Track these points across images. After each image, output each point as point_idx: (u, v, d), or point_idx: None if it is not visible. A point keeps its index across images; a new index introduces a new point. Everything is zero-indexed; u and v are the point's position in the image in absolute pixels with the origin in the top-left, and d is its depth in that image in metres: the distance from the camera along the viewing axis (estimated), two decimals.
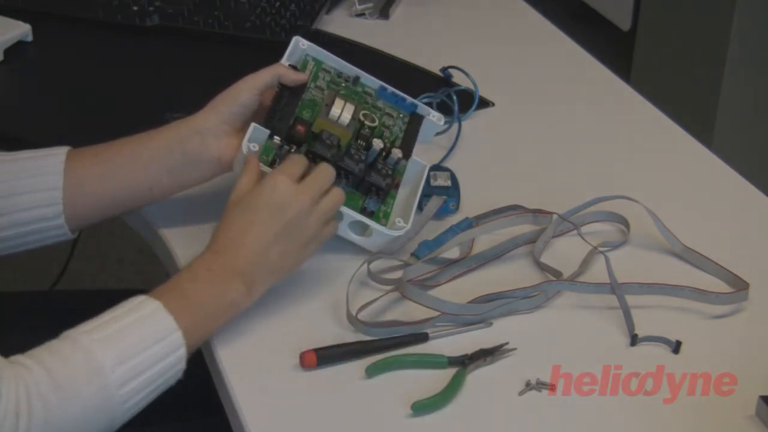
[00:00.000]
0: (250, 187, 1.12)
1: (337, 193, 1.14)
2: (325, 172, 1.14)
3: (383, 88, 1.29)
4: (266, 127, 1.19)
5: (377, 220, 1.19)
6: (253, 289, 1.09)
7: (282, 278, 1.13)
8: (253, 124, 1.19)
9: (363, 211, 1.19)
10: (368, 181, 1.19)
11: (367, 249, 1.19)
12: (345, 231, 1.19)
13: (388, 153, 1.22)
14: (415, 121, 1.29)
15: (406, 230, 1.19)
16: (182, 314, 1.04)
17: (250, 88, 1.20)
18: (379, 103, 1.28)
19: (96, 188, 1.18)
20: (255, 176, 1.13)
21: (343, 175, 1.18)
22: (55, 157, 1.17)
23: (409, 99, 1.29)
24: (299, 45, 1.28)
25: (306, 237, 1.12)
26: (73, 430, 0.98)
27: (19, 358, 0.98)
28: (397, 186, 1.24)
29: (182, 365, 1.04)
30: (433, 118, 1.30)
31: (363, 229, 1.19)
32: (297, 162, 1.14)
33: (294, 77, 1.23)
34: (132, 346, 1.01)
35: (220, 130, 1.19)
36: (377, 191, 1.20)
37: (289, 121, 1.20)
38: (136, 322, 1.02)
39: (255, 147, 1.17)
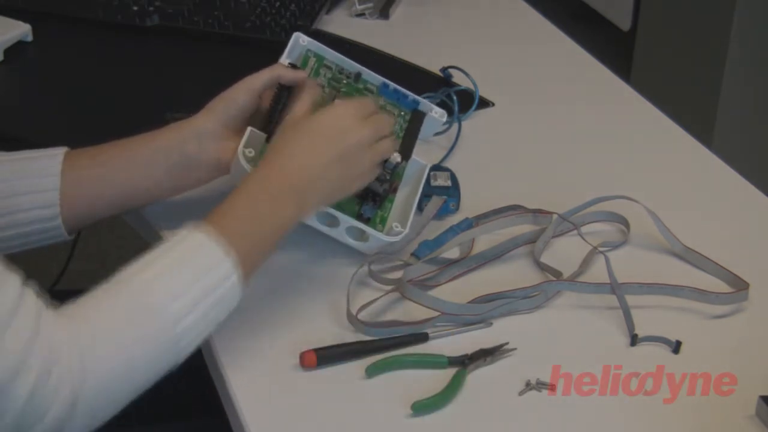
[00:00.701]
0: (306, 113, 1.14)
1: (390, 142, 1.17)
2: (388, 119, 1.18)
3: (385, 85, 1.28)
4: (264, 131, 1.18)
5: (373, 225, 1.19)
6: (305, 209, 1.10)
7: (331, 202, 1.14)
8: (249, 128, 1.19)
9: (359, 217, 1.18)
10: (365, 187, 1.18)
11: (365, 253, 1.19)
12: (342, 235, 1.18)
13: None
14: (417, 118, 1.28)
15: (403, 236, 1.19)
16: (235, 239, 1.02)
17: (247, 90, 1.20)
18: (381, 101, 1.28)
19: (93, 190, 1.18)
20: (311, 102, 1.16)
21: None
22: (53, 158, 1.17)
23: (411, 96, 1.29)
24: (299, 41, 1.27)
25: (359, 169, 1.13)
26: (135, 374, 0.97)
27: (70, 309, 0.96)
28: (395, 190, 1.23)
29: (238, 293, 1.03)
30: (435, 114, 1.30)
31: (360, 234, 1.19)
32: (365, 103, 1.17)
33: (293, 76, 1.22)
34: (183, 280, 0.99)
35: (218, 132, 1.19)
36: (374, 197, 1.19)
37: None
38: (185, 255, 1.01)
39: (251, 152, 1.17)
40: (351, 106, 1.14)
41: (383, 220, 1.21)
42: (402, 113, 1.28)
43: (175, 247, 1.02)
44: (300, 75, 1.23)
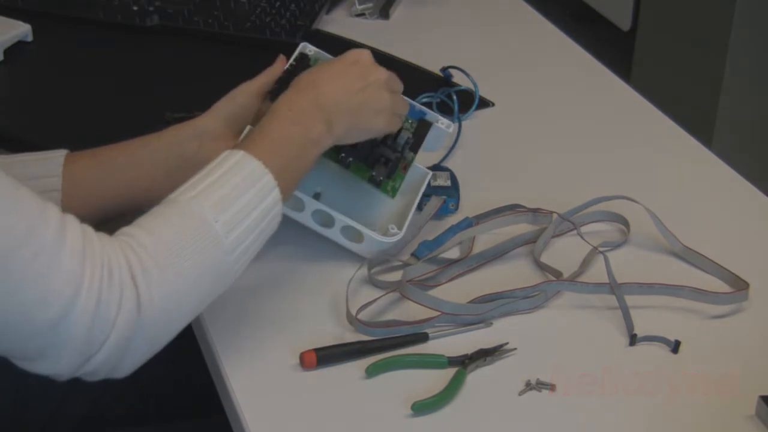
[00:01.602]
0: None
1: (406, 103, 1.21)
2: (399, 80, 1.19)
3: None
4: (270, 95, 1.19)
5: (384, 191, 1.19)
6: (333, 128, 1.12)
7: (358, 127, 1.15)
8: (249, 127, 1.19)
9: (371, 179, 1.18)
10: (377, 152, 1.19)
11: (360, 255, 1.19)
12: (337, 236, 1.18)
13: (398, 133, 1.22)
14: (423, 127, 1.28)
15: (398, 238, 1.19)
16: (270, 157, 1.05)
17: (247, 92, 1.21)
18: None
19: (94, 190, 1.18)
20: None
21: (348, 150, 1.17)
22: (54, 159, 1.17)
23: (418, 106, 1.29)
24: (306, 51, 1.27)
25: (381, 104, 1.15)
26: (190, 286, 0.98)
27: (122, 229, 0.98)
28: (405, 168, 1.23)
29: (280, 207, 1.06)
30: (442, 125, 1.28)
31: (355, 235, 1.18)
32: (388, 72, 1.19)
33: (271, 72, 1.23)
34: (227, 195, 1.01)
35: (218, 133, 1.19)
36: (386, 162, 1.19)
37: None
38: (226, 174, 1.03)
39: None
40: (370, 55, 1.18)
41: (394, 191, 1.20)
42: (409, 121, 1.28)
43: (216, 167, 1.04)
44: (276, 69, 1.23)
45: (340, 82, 1.13)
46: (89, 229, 0.94)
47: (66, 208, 1.15)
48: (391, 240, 1.18)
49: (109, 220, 1.21)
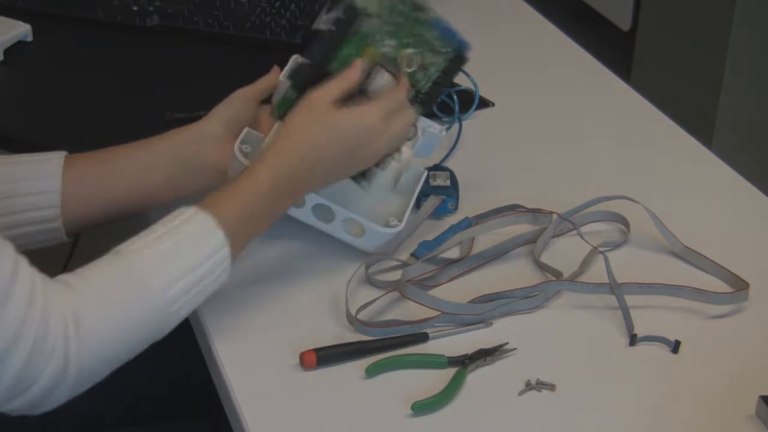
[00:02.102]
0: (332, 96, 1.13)
1: (411, 115, 1.17)
2: (411, 116, 1.17)
3: (437, 21, 1.26)
4: (304, 55, 1.17)
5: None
6: (301, 196, 1.14)
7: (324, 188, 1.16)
8: (246, 129, 1.19)
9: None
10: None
11: (361, 249, 1.19)
12: (338, 230, 1.18)
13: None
14: (457, 61, 1.25)
15: (399, 229, 1.19)
16: (234, 223, 1.06)
17: (244, 96, 1.22)
18: (428, 35, 1.25)
19: (93, 192, 1.19)
20: (343, 90, 1.14)
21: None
22: (54, 161, 1.17)
23: (459, 36, 1.26)
24: (299, 62, 1.27)
25: (363, 165, 1.15)
26: (123, 340, 1.00)
27: (65, 277, 1.00)
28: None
29: (227, 276, 1.06)
30: (434, 130, 1.27)
31: (356, 228, 1.18)
32: (396, 97, 1.15)
33: (266, 81, 1.23)
34: (183, 266, 1.02)
35: (217, 136, 1.20)
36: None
37: (324, 63, 1.17)
38: (188, 240, 1.03)
39: (248, 148, 1.17)
40: (378, 109, 1.13)
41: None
42: (447, 50, 1.25)
43: (178, 229, 1.04)
44: (271, 78, 1.22)
45: (325, 154, 1.11)
46: (38, 280, 0.97)
47: (65, 210, 1.16)
48: (392, 231, 1.18)
49: (110, 223, 1.21)
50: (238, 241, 1.06)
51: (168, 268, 1.01)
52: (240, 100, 1.22)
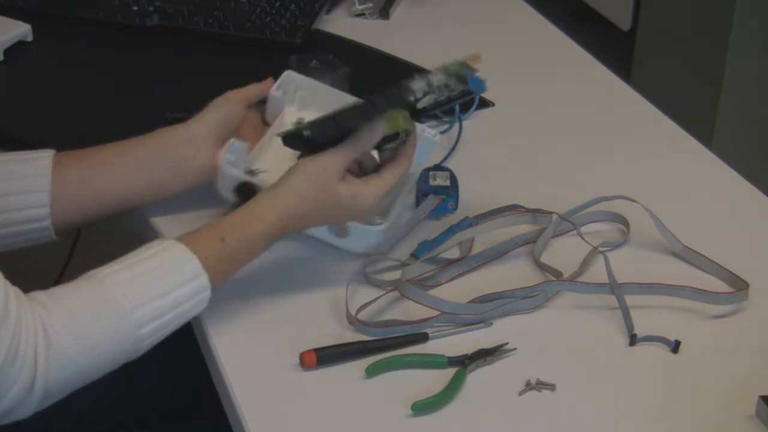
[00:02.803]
0: (354, 159, 1.13)
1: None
2: (401, 171, 1.16)
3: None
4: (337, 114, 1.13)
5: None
6: (282, 237, 1.13)
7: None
8: (232, 139, 1.20)
9: None
10: None
11: (350, 251, 1.19)
12: (323, 232, 1.18)
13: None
14: (466, 94, 1.23)
15: (384, 227, 1.18)
16: (208, 257, 1.06)
17: (234, 99, 1.23)
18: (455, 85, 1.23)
19: (81, 191, 1.19)
20: (365, 152, 1.15)
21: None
22: (43, 159, 1.18)
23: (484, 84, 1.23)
24: (291, 78, 1.26)
25: (353, 220, 1.17)
26: (92, 362, 1.01)
27: (38, 295, 1.00)
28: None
29: (204, 305, 1.06)
30: (429, 135, 1.25)
31: (340, 230, 1.18)
32: (396, 176, 1.16)
33: (259, 89, 1.24)
34: (156, 289, 1.02)
35: (204, 138, 1.21)
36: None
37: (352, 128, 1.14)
38: (162, 265, 1.04)
39: (232, 158, 1.18)
40: (381, 190, 1.14)
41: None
42: (463, 89, 1.22)
43: (156, 255, 1.04)
44: (264, 86, 1.24)
45: (321, 214, 1.13)
46: (12, 296, 0.97)
47: (54, 208, 1.16)
48: (377, 229, 1.18)
49: (97, 221, 1.21)
50: (216, 277, 1.07)
51: (140, 290, 1.02)
52: (230, 103, 1.22)
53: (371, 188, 1.13)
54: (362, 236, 1.18)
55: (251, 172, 1.20)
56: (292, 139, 1.15)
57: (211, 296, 1.06)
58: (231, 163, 1.18)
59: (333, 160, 1.11)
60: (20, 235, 1.17)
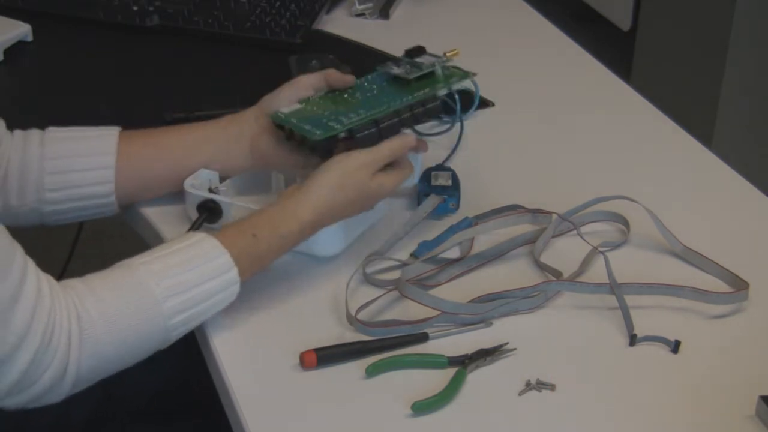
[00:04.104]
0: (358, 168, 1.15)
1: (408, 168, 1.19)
2: (406, 172, 1.19)
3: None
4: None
5: None
6: (307, 233, 1.14)
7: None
8: (201, 169, 1.22)
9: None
10: None
11: (321, 255, 1.19)
12: None
13: None
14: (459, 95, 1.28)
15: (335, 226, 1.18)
16: (244, 257, 1.08)
17: (291, 89, 1.23)
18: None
19: (146, 168, 1.23)
20: (398, 182, 1.18)
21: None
22: (109, 137, 1.22)
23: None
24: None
25: (362, 209, 1.18)
26: (124, 353, 1.03)
27: (72, 282, 1.02)
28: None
29: (232, 298, 1.08)
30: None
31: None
32: (407, 169, 1.19)
33: (341, 79, 1.24)
34: (187, 280, 1.04)
35: (257, 126, 1.22)
36: None
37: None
38: (194, 257, 1.06)
39: (196, 182, 1.21)
40: (401, 177, 1.17)
41: None
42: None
43: (188, 247, 1.07)
44: (349, 80, 1.24)
45: (337, 209, 1.14)
46: (45, 283, 0.99)
47: (119, 184, 1.21)
48: (337, 229, 1.17)
49: (155, 196, 1.25)
50: (245, 272, 1.09)
51: (172, 281, 1.03)
52: (287, 91, 1.23)
53: (392, 178, 1.16)
54: (318, 235, 1.16)
55: (211, 190, 1.23)
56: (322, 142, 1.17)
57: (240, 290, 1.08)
58: (194, 185, 1.21)
59: (373, 158, 1.15)
60: (85, 210, 1.22)
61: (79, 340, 0.99)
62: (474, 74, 1.27)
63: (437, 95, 1.23)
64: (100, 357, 1.01)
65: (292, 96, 1.22)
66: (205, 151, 1.23)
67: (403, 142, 1.18)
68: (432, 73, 1.25)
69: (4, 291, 0.95)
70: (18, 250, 0.98)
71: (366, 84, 1.25)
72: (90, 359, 1.00)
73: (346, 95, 1.23)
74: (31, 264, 0.99)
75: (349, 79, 1.24)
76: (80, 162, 1.20)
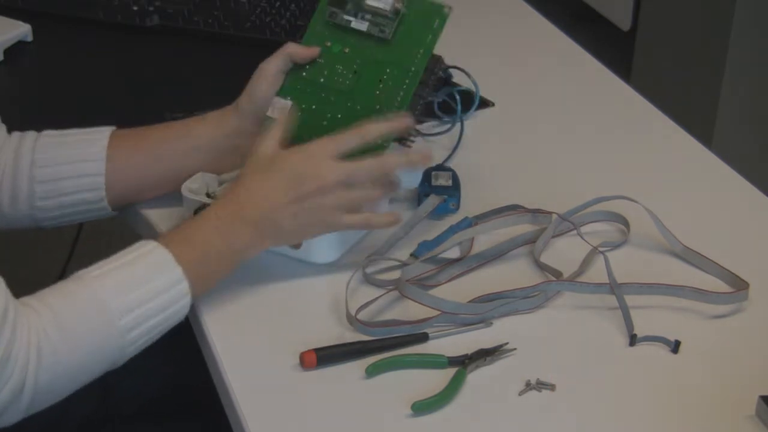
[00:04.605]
0: (274, 149, 1.12)
1: (373, 193, 1.13)
2: (374, 166, 1.12)
3: None
4: None
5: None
6: (259, 241, 1.11)
7: (289, 242, 1.15)
8: (200, 173, 1.21)
9: None
10: None
11: (311, 261, 1.18)
12: (282, 247, 1.18)
13: None
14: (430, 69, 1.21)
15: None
16: (189, 262, 1.06)
17: (264, 78, 1.19)
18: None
19: (136, 175, 1.22)
20: (278, 138, 1.13)
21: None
22: (99, 142, 1.21)
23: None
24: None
25: (319, 216, 1.11)
26: (79, 369, 1.02)
27: (29, 300, 1.01)
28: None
29: (186, 311, 1.08)
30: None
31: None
32: (348, 138, 1.12)
33: (305, 53, 1.20)
34: (140, 295, 1.04)
35: (244, 126, 1.21)
36: None
37: None
38: (146, 272, 1.05)
39: (194, 186, 1.20)
40: (327, 145, 1.11)
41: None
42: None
43: (138, 260, 1.06)
44: (313, 52, 1.20)
45: (271, 191, 1.10)
46: (11, 302, 0.98)
47: (110, 190, 1.20)
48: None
49: (154, 197, 1.25)
50: (201, 279, 1.08)
51: (126, 297, 1.03)
52: (263, 82, 1.19)
53: (317, 142, 1.11)
54: (314, 243, 1.17)
55: (208, 195, 1.22)
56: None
57: (191, 303, 1.07)
58: (192, 190, 1.20)
59: (261, 148, 1.12)
60: (78, 214, 1.22)
61: (38, 355, 0.98)
62: (449, 8, 1.20)
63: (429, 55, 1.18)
64: (57, 374, 1.00)
65: (268, 91, 1.19)
66: (196, 160, 1.22)
67: (373, 125, 1.12)
68: (403, 18, 1.18)
69: None
70: None
71: (341, 59, 1.20)
72: (47, 373, 0.99)
73: (333, 84, 1.19)
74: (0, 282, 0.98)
75: (314, 51, 1.20)
76: (70, 169, 1.20)
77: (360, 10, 1.17)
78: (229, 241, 1.09)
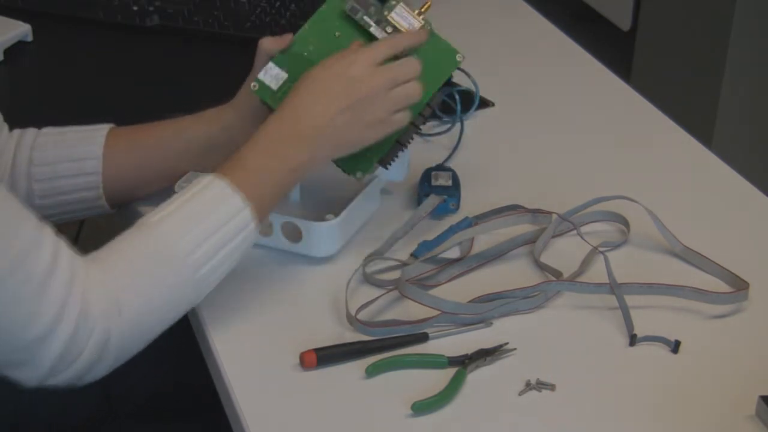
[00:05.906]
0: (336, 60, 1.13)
1: (415, 87, 1.14)
2: (410, 65, 1.14)
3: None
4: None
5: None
6: (315, 156, 1.11)
7: (344, 152, 1.14)
8: (190, 172, 1.21)
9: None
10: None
11: (310, 255, 1.18)
12: (279, 240, 1.18)
13: None
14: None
15: (333, 222, 1.17)
16: (248, 188, 1.06)
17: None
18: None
19: (133, 173, 1.23)
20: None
21: None
22: (96, 140, 1.21)
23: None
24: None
25: (374, 118, 1.12)
26: (158, 316, 1.03)
27: (99, 255, 1.02)
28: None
29: (253, 237, 1.08)
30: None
31: (295, 233, 1.18)
32: (383, 47, 1.14)
33: (279, 41, 1.19)
34: (205, 230, 1.04)
35: (240, 121, 1.21)
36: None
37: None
38: (206, 206, 1.05)
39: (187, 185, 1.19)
40: (366, 53, 1.13)
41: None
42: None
43: (196, 196, 1.06)
44: (285, 38, 1.19)
45: (324, 104, 1.10)
46: (77, 259, 0.99)
47: (107, 188, 1.21)
48: (327, 224, 1.17)
49: (145, 196, 1.25)
50: (261, 205, 1.08)
51: (190, 234, 1.03)
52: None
53: (401, 67, 1.13)
54: (314, 235, 1.17)
55: None
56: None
57: (256, 229, 1.08)
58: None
59: (370, 50, 1.13)
60: (76, 212, 1.23)
61: (116, 310, 0.99)
62: (462, 57, 1.21)
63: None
64: (137, 323, 1.01)
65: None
66: (191, 158, 1.22)
67: (404, 35, 1.15)
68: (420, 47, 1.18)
69: (39, 263, 0.95)
70: (47, 230, 0.98)
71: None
72: (128, 327, 1.00)
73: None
74: (62, 242, 0.99)
75: (286, 37, 1.19)
76: (67, 168, 1.20)
77: (382, 19, 1.18)
78: (286, 161, 1.10)
